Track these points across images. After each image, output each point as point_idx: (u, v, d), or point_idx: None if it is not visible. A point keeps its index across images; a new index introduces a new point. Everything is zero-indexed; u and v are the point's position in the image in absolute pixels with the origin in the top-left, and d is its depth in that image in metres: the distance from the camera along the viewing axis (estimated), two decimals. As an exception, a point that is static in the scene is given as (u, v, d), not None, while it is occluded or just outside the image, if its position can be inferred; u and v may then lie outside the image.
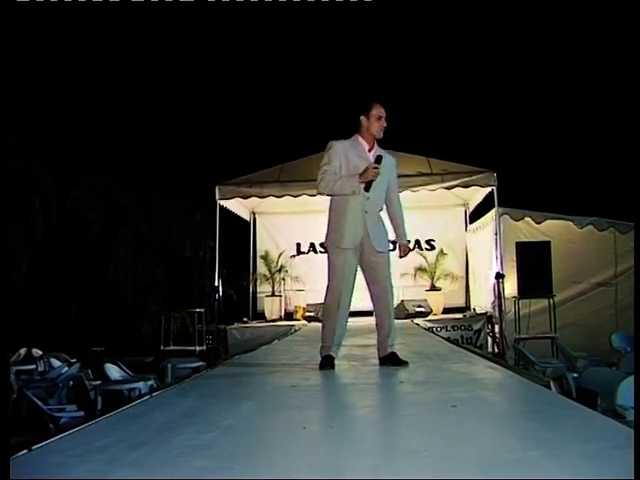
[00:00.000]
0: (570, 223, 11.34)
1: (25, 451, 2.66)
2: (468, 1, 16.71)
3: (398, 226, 5.44)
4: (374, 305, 5.28)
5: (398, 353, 5.23)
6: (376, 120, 5.17)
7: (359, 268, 5.26)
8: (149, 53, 14.91)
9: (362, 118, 5.20)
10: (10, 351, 9.66)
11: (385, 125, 5.20)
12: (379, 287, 5.22)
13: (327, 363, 5.08)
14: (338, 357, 5.30)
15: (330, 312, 5.23)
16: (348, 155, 5.18)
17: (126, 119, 14.78)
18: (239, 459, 2.50)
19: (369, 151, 5.21)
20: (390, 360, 5.14)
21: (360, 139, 5.24)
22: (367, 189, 5.05)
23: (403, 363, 5.10)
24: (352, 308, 5.29)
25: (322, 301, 5.41)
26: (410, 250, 5.34)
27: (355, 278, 5.26)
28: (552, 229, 11.36)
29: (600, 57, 14.43)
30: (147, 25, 14.57)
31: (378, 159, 5.07)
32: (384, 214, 5.41)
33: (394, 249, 5.78)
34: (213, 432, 2.97)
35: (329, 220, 5.28)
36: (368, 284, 5.29)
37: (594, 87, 15.60)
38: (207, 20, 15.37)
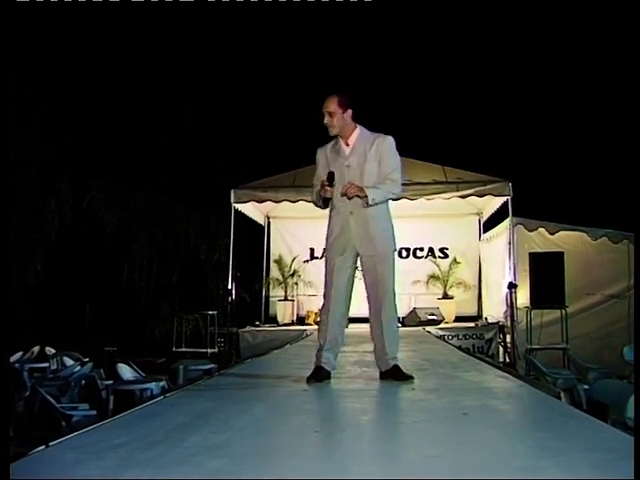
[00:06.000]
0: (584, 234, 11.29)
1: (43, 447, 2.72)
2: (487, 8, 16.68)
3: (381, 181, 4.84)
4: (368, 313, 4.93)
5: (401, 366, 4.86)
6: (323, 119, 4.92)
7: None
8: (166, 58, 15.04)
9: None
10: (23, 349, 9.77)
11: (326, 122, 4.87)
12: (369, 294, 4.89)
13: (313, 376, 4.80)
14: (335, 366, 5.01)
15: (321, 318, 5.04)
16: (329, 157, 4.99)
17: (144, 122, 14.89)
18: (252, 460, 2.55)
19: (347, 146, 4.91)
20: (392, 375, 4.77)
21: (339, 138, 4.97)
22: (324, 206, 4.96)
23: (407, 378, 4.73)
24: (363, 314, 5.14)
25: None
26: (349, 193, 4.66)
27: (350, 284, 4.92)
28: (566, 240, 11.32)
29: (621, 70, 14.38)
30: (164, 32, 14.74)
31: (329, 176, 4.81)
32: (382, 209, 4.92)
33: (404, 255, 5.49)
34: (227, 433, 3.02)
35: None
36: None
37: (609, 100, 15.54)
38: (226, 28, 15.51)
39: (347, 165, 4.88)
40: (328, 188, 4.81)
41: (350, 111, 4.90)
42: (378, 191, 4.77)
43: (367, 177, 4.83)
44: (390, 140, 4.93)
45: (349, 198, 4.74)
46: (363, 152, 4.88)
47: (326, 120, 4.88)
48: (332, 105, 4.86)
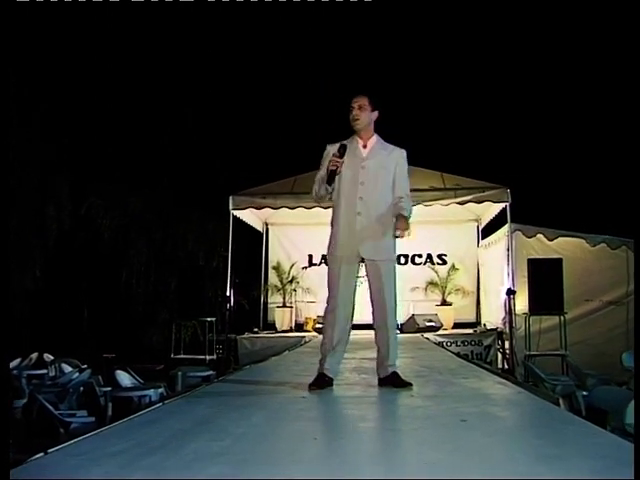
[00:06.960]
0: (583, 241, 11.30)
1: (41, 454, 2.72)
2: (489, 15, 16.72)
3: (398, 200, 4.87)
4: (372, 320, 4.92)
5: (400, 373, 4.87)
6: (350, 113, 4.95)
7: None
8: (166, 59, 15.07)
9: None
10: (22, 355, 9.75)
11: (355, 114, 4.90)
12: (374, 300, 4.85)
13: (315, 383, 4.78)
14: (338, 372, 5.01)
15: (324, 323, 5.02)
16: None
17: (143, 127, 14.90)
18: (252, 467, 2.55)
19: (364, 147, 4.94)
20: (391, 381, 4.78)
21: (356, 137, 4.97)
22: (330, 181, 4.82)
23: (406, 384, 4.73)
24: (361, 321, 5.09)
25: None
26: (407, 228, 4.65)
27: (353, 289, 4.91)
28: (564, 246, 11.32)
29: (618, 77, 14.42)
30: (164, 32, 14.77)
31: (341, 149, 4.82)
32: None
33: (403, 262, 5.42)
34: (226, 440, 3.02)
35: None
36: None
37: (606, 106, 15.57)
38: (227, 31, 15.54)
39: (363, 166, 4.89)
40: (338, 159, 4.79)
41: (376, 112, 5.00)
42: (408, 204, 4.87)
43: (382, 183, 4.89)
44: (405, 154, 5.03)
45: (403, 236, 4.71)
46: (381, 158, 4.94)
47: (354, 112, 4.93)
48: (363, 100, 4.94)
